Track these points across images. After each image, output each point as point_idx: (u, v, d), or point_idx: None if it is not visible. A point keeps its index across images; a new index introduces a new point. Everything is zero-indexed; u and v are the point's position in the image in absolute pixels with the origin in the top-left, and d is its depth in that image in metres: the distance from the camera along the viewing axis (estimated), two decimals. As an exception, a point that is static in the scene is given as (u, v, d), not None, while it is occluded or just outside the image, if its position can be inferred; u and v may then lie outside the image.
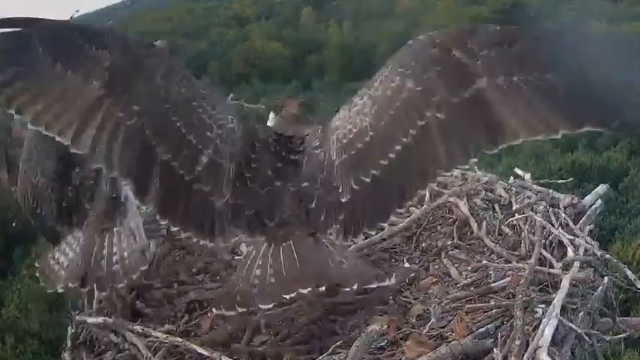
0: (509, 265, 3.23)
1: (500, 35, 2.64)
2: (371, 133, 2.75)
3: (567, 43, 2.60)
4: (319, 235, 2.83)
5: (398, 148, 2.69)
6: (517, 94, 2.56)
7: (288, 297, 2.64)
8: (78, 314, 3.36)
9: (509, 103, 2.56)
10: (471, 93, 2.59)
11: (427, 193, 4.13)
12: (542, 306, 2.80)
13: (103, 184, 3.36)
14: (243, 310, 2.71)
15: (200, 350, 2.84)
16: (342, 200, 2.80)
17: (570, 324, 2.78)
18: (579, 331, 2.80)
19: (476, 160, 2.76)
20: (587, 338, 2.84)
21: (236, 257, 3.42)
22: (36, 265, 3.43)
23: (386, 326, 2.77)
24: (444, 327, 2.84)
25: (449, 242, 3.61)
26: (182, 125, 2.75)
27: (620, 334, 3.23)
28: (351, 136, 2.81)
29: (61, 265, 3.26)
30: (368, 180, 2.75)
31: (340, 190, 2.80)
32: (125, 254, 3.20)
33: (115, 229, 3.27)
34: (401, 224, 3.81)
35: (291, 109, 3.34)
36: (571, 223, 3.55)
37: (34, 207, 3.45)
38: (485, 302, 2.98)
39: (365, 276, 2.76)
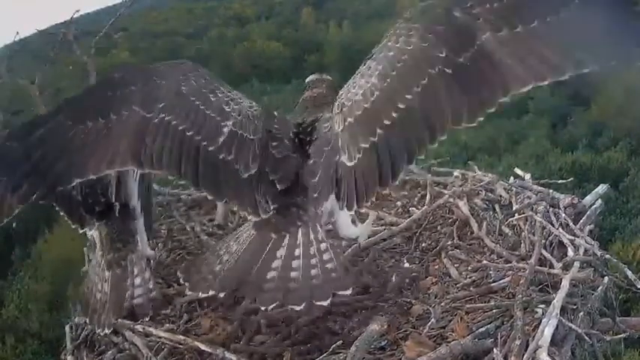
0: (510, 265, 3.23)
1: None
2: (377, 93, 2.78)
3: None
4: (314, 231, 2.84)
5: (401, 106, 2.71)
6: (520, 44, 2.61)
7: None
8: (77, 315, 3.36)
9: (513, 53, 2.62)
10: (475, 50, 2.64)
11: (428, 194, 4.14)
12: (542, 306, 2.80)
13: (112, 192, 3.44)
14: (205, 295, 2.80)
15: (203, 347, 2.85)
16: (349, 164, 2.82)
17: (570, 324, 2.78)
18: (579, 331, 2.80)
19: (492, 109, 2.70)
20: (587, 338, 2.84)
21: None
22: None
23: (386, 326, 2.78)
24: (444, 327, 2.84)
25: (449, 242, 3.60)
26: (201, 105, 2.94)
27: (620, 334, 3.22)
28: (356, 99, 2.85)
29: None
30: (375, 139, 2.76)
31: (346, 156, 2.83)
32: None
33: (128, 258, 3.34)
34: (401, 224, 3.81)
35: (315, 91, 3.37)
36: (571, 223, 3.55)
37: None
38: (485, 302, 2.98)
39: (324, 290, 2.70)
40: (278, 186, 2.90)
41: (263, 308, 2.67)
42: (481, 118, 2.70)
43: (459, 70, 2.64)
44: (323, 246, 2.81)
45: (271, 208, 2.90)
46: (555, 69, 2.60)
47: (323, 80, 3.52)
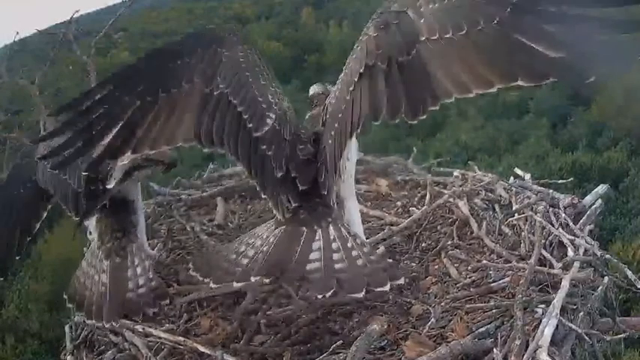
0: (509, 265, 3.23)
1: None
2: (337, 92, 2.82)
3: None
4: (344, 228, 2.84)
5: (347, 97, 2.71)
6: (449, 50, 2.54)
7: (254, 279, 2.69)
8: (77, 314, 3.36)
9: (441, 60, 2.55)
10: (416, 51, 2.59)
11: (428, 194, 4.14)
12: (542, 306, 2.81)
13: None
14: (219, 285, 2.82)
15: (202, 349, 2.85)
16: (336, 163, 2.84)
17: (570, 324, 2.79)
18: (579, 331, 2.80)
19: (424, 117, 2.65)
20: (587, 338, 2.85)
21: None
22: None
23: (386, 326, 2.77)
24: (444, 327, 2.85)
25: (449, 242, 3.61)
26: (253, 84, 2.95)
27: (620, 334, 3.22)
28: (331, 99, 2.90)
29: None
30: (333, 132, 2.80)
31: (329, 156, 2.84)
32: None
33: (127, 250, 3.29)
34: (401, 224, 3.81)
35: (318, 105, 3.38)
36: (571, 223, 3.55)
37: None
38: (485, 302, 2.99)
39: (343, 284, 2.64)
40: (300, 186, 2.88)
41: (320, 296, 2.59)
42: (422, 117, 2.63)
43: (400, 68, 2.60)
44: (359, 240, 2.80)
45: (292, 206, 2.89)
46: (482, 81, 2.51)
47: (326, 92, 3.46)
